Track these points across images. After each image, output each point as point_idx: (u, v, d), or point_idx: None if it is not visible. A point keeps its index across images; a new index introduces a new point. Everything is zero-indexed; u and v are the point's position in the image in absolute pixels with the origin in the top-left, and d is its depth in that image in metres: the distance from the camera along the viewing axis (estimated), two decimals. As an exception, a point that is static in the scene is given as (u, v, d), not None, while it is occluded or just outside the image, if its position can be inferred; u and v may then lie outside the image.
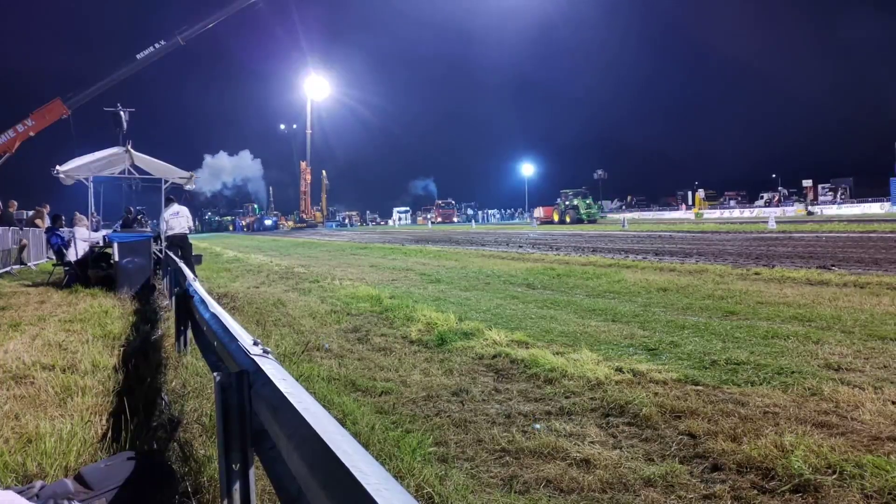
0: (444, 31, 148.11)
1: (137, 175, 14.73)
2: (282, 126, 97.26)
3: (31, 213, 20.66)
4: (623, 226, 38.65)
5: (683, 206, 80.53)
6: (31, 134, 33.27)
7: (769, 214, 39.72)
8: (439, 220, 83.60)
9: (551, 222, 54.94)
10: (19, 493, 2.37)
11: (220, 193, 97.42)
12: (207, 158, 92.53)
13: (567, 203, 55.12)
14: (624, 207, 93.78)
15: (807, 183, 70.20)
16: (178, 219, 13.41)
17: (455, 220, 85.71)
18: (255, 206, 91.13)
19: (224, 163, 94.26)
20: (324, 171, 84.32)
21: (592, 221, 51.30)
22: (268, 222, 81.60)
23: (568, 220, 52.60)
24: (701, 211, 64.46)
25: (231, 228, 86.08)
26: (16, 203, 20.04)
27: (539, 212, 59.84)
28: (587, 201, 54.75)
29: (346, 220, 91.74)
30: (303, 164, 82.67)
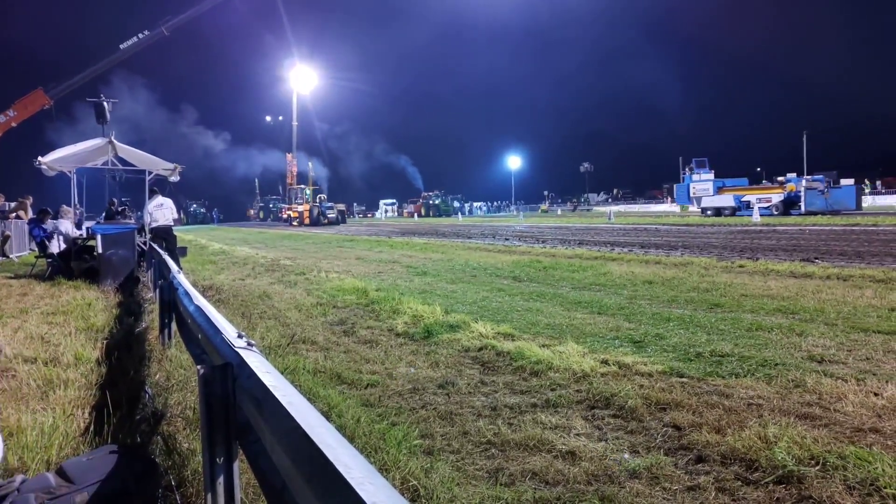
0: (434, 26, 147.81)
1: (121, 166, 14.53)
2: (268, 118, 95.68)
3: (13, 204, 20.36)
4: (609, 218, 38.84)
5: (669, 199, 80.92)
6: (14, 125, 32.71)
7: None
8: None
9: (419, 215, 74.63)
10: (-1, 487, 2.34)
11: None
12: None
13: (430, 202, 77.85)
14: (610, 200, 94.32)
15: (791, 176, 70.59)
16: (162, 210, 13.27)
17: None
18: (306, 188, 62.33)
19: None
20: (310, 163, 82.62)
21: (447, 215, 72.49)
22: (331, 214, 54.11)
23: (431, 214, 72.40)
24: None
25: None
26: (3, 196, 19.74)
27: (410, 207, 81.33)
28: (444, 199, 78.45)
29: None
30: (289, 156, 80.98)
